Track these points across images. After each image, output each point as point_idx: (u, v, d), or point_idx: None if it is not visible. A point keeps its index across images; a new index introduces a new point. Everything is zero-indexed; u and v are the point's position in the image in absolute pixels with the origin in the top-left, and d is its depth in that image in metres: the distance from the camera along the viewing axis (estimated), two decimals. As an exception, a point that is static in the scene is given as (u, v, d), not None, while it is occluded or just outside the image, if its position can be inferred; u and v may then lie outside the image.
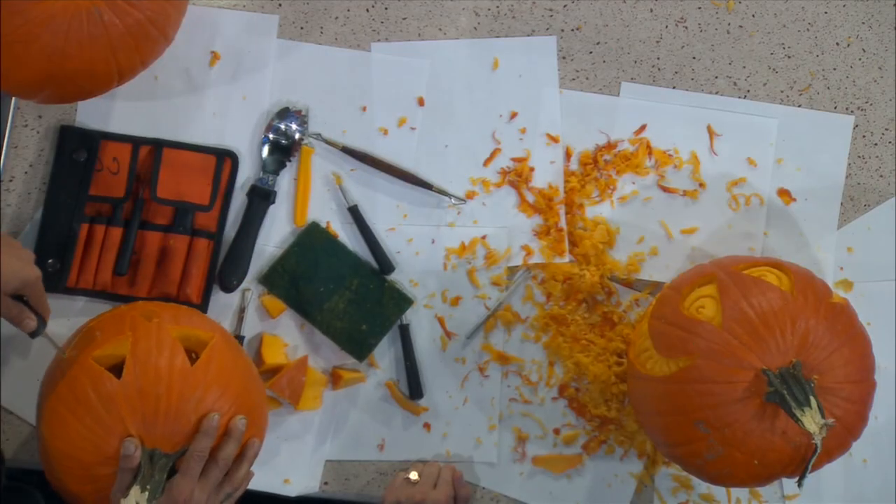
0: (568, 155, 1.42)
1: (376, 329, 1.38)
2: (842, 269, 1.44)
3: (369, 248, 1.39)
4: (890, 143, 1.46)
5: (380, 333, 1.38)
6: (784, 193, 1.44)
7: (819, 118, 1.45)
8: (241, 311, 1.38)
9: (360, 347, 1.38)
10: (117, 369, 1.16)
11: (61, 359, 1.19)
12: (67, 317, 1.35)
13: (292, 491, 1.36)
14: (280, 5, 1.41)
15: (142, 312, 1.21)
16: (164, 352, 1.16)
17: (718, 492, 1.41)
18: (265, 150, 1.39)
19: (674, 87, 1.44)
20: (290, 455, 1.37)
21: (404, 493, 1.29)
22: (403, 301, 1.39)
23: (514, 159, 1.42)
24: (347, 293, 1.38)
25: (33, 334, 1.18)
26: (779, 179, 1.44)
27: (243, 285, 1.38)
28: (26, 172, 1.37)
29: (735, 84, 1.45)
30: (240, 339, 1.36)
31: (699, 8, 1.45)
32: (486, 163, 1.42)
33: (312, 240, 1.38)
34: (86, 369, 1.15)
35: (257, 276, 1.38)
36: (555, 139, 1.42)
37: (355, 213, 1.39)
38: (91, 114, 1.37)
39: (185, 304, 1.35)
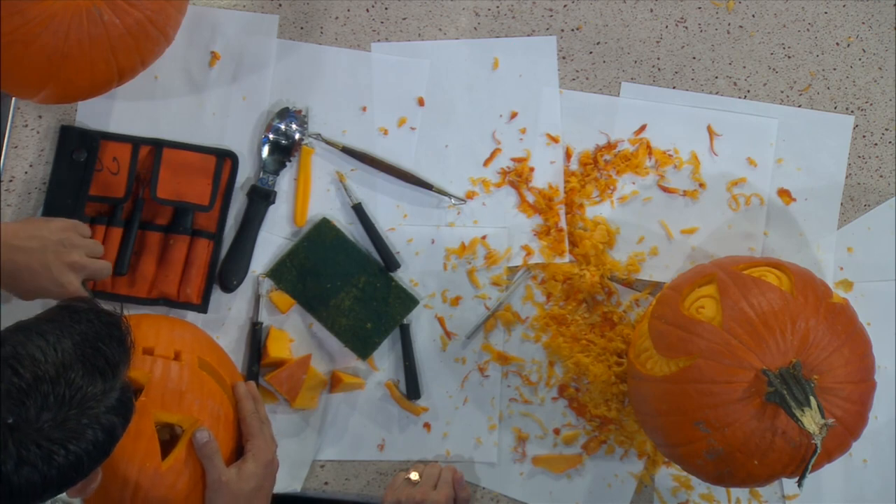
0: (568, 155, 1.42)
1: (381, 328, 1.38)
2: (842, 269, 1.44)
3: (374, 246, 1.38)
4: (890, 143, 1.46)
5: (384, 332, 1.38)
6: (784, 193, 1.44)
7: (819, 118, 1.45)
8: (257, 297, 1.38)
9: (363, 345, 1.38)
10: None
11: None
12: (67, 317, 1.35)
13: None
14: (280, 5, 1.41)
15: (139, 371, 1.16)
16: (139, 449, 1.14)
17: (718, 492, 1.41)
18: (265, 150, 1.39)
19: (674, 87, 1.44)
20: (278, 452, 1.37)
21: (404, 493, 1.29)
22: (409, 301, 1.39)
23: (514, 159, 1.42)
24: (354, 291, 1.38)
25: None
26: (779, 179, 1.44)
27: (257, 275, 1.38)
28: (26, 172, 1.37)
29: (735, 84, 1.45)
30: (257, 325, 1.36)
31: (699, 8, 1.45)
32: (486, 163, 1.42)
33: (322, 235, 1.38)
34: None
35: (265, 269, 1.38)
36: (555, 139, 1.42)
37: (359, 211, 1.39)
38: (91, 114, 1.37)
39: (185, 304, 1.35)
